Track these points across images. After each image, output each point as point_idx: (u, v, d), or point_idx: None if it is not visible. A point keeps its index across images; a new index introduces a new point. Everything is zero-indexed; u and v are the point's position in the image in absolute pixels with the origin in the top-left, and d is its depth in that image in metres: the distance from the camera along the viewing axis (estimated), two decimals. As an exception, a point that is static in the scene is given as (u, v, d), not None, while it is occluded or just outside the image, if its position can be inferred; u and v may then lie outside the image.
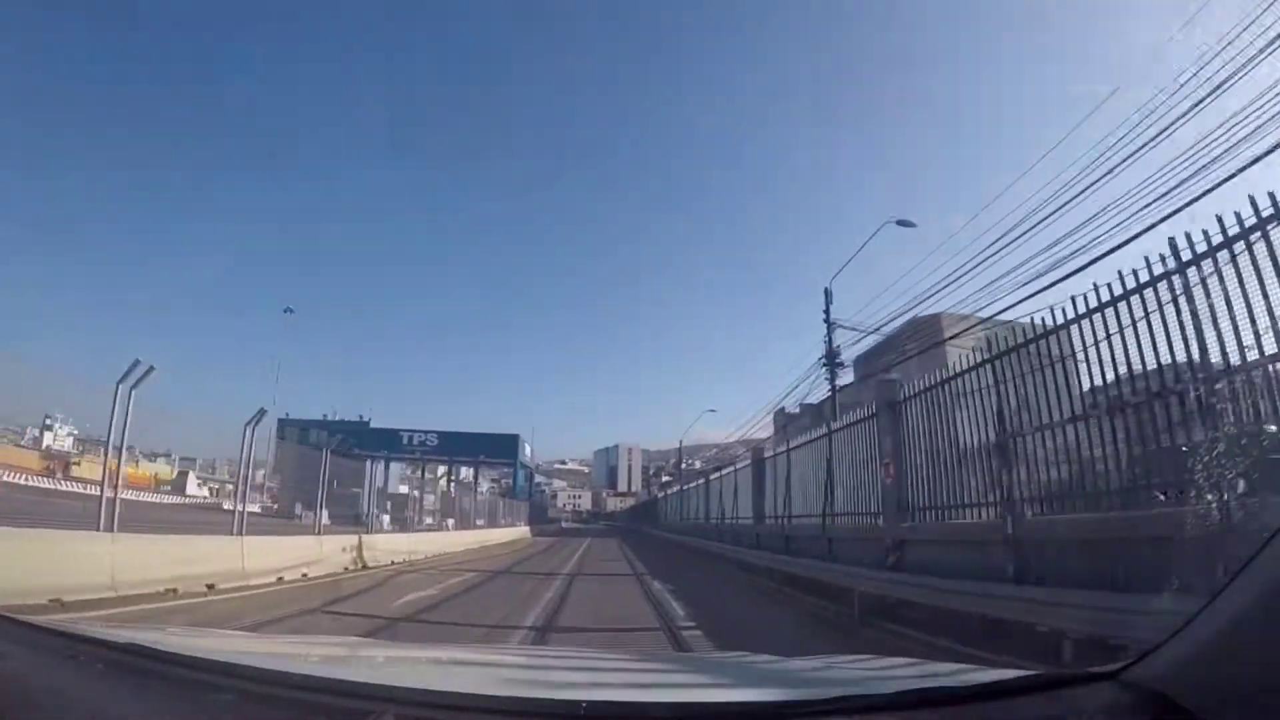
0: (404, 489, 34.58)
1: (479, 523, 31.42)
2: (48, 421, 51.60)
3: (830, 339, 18.58)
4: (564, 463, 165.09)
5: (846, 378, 19.92)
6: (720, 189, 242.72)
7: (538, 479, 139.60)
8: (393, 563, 15.50)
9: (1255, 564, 1.00)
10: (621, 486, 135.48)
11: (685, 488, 34.16)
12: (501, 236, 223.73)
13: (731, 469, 22.34)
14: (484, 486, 56.20)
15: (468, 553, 21.63)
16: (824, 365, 18.81)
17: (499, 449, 57.47)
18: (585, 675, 1.94)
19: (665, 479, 77.14)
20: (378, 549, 15.36)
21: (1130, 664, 1.15)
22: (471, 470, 57.03)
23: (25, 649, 1.43)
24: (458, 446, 54.21)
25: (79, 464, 41.73)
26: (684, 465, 52.76)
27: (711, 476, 25.57)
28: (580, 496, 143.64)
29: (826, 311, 18.84)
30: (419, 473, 44.21)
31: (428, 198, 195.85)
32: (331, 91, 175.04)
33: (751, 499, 17.74)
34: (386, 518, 23.49)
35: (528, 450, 65.54)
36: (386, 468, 32.53)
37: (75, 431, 51.83)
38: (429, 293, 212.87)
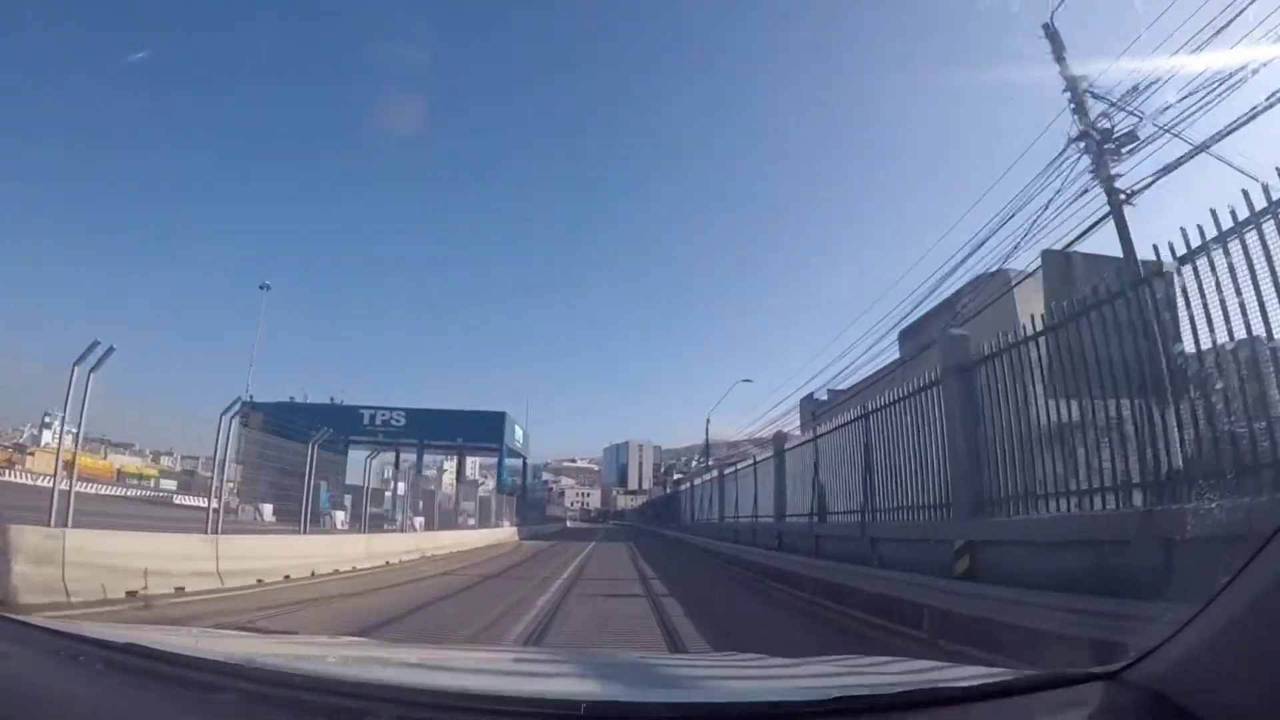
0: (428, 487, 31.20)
1: (468, 522, 28.64)
2: (47, 419, 52.57)
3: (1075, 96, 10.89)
4: (573, 460, 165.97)
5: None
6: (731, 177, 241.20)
7: (545, 476, 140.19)
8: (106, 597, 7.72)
9: (1254, 564, 1.02)
10: (632, 484, 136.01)
11: (730, 472, 23.26)
12: (504, 233, 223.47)
13: (855, 415, 11.46)
14: (490, 481, 54.07)
15: (372, 574, 13.86)
16: (1082, 150, 10.85)
17: (481, 431, 47.82)
18: (585, 674, 1.98)
19: (677, 476, 76.92)
20: (81, 562, 7.69)
21: (1130, 664, 1.18)
22: (457, 460, 51.66)
23: (25, 649, 1.48)
24: (430, 427, 45.57)
25: (34, 454, 43.23)
26: (704, 461, 48.18)
27: (788, 448, 15.91)
28: (589, 494, 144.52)
29: (1058, 59, 11.32)
30: (407, 464, 41.45)
31: (420, 178, 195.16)
32: (311, 71, 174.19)
33: (951, 461, 8.22)
34: (341, 514, 20.47)
35: (518, 433, 54.32)
36: (346, 452, 28.66)
37: (72, 429, 52.78)
38: (427, 277, 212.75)
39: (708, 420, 44.09)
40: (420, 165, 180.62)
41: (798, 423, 29.06)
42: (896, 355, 19.57)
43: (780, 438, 17.53)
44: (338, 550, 14.17)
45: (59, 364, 8.44)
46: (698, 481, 32.85)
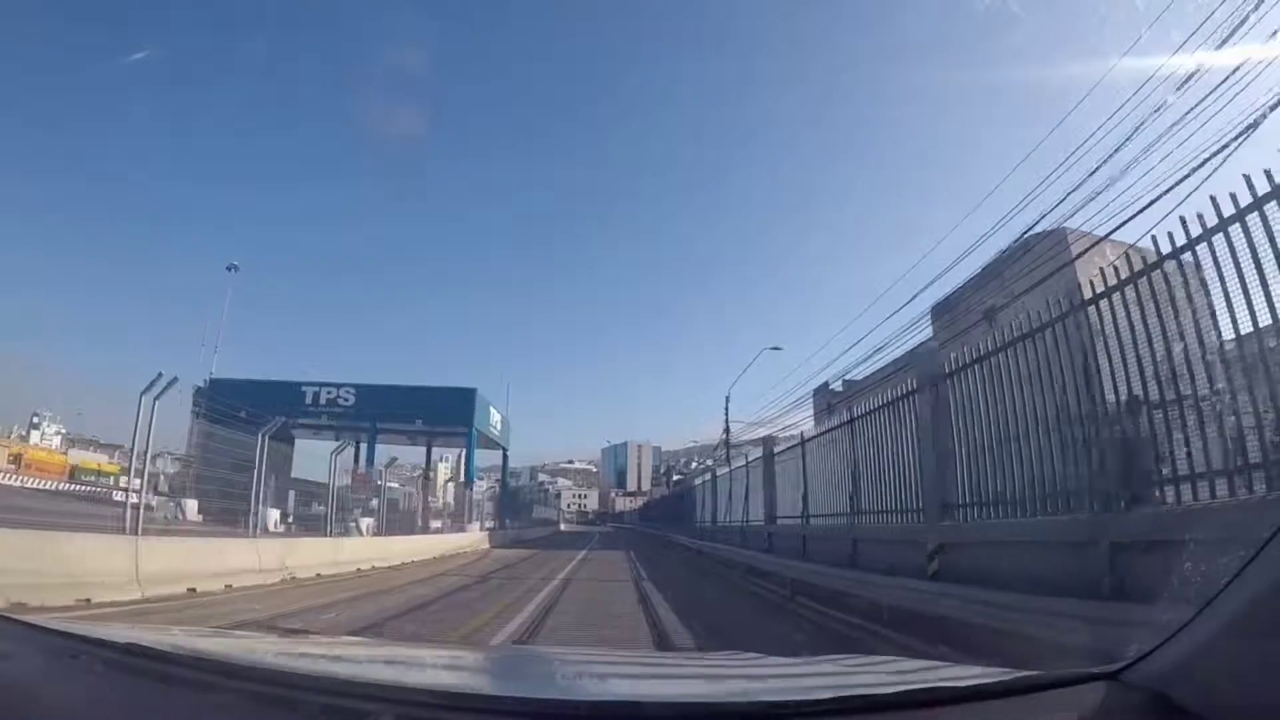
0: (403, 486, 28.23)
1: (434, 525, 25.83)
2: (35, 419, 52.78)
3: None
4: (571, 462, 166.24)
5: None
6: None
7: (541, 477, 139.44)
8: None
9: (1254, 564, 1.04)
10: (631, 486, 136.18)
11: (785, 449, 15.69)
12: (503, 230, 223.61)
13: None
14: (486, 482, 51.06)
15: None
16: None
17: (446, 411, 38.06)
18: (584, 674, 1.99)
19: (676, 478, 76.54)
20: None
21: (1130, 664, 1.19)
22: (426, 449, 43.88)
23: (25, 649, 1.50)
24: (385, 407, 36.67)
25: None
26: (703, 462, 41.75)
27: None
28: (586, 496, 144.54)
29: None
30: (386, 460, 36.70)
31: (417, 171, 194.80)
32: (304, 67, 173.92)
33: None
34: (276, 514, 17.09)
35: (494, 417, 44.28)
36: (292, 440, 24.74)
37: (63, 430, 53.23)
38: (419, 273, 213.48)
39: (727, 398, 35.72)
40: (417, 159, 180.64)
41: (811, 414, 27.46)
42: (900, 352, 16.84)
43: (934, 367, 8.52)
44: (75, 565, 7.95)
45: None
46: (721, 472, 24.99)
